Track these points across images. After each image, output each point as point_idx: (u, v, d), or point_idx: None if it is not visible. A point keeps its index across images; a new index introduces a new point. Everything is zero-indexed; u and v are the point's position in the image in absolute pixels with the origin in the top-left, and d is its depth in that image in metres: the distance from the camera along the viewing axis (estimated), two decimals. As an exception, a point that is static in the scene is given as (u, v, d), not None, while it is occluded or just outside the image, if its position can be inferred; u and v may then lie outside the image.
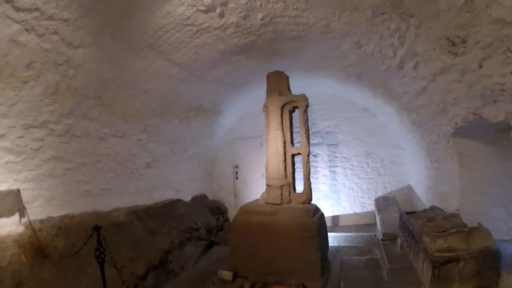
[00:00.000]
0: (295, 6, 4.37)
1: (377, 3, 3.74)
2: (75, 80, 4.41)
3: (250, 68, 6.64)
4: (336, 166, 8.97)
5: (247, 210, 5.84)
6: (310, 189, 5.94)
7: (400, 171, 8.43)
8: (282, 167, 5.92)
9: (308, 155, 5.95)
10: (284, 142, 5.96)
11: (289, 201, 5.90)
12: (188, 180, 8.37)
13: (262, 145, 9.37)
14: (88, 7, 3.79)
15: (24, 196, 4.21)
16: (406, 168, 8.32)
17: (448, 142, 4.88)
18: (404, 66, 4.71)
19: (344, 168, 8.92)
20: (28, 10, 3.33)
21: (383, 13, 3.89)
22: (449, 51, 3.57)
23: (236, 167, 10.00)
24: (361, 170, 8.78)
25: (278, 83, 6.18)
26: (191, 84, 6.57)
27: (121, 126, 5.64)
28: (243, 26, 4.89)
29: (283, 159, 5.92)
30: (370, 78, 6.10)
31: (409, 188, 8.24)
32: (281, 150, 5.93)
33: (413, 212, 5.30)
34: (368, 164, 8.70)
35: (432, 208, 5.07)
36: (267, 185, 6.08)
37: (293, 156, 6.07)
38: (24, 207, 4.21)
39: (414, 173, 7.71)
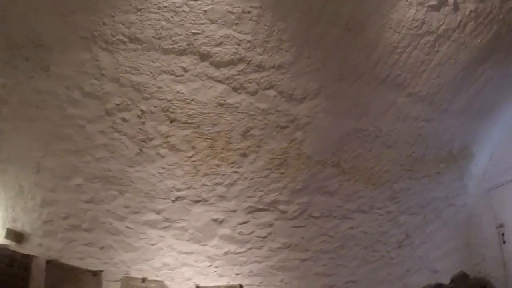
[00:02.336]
0: None
1: None
2: (306, 144, 3.91)
3: (496, 79, 5.33)
4: None
5: None
6: None
7: None
8: None
9: None
10: None
11: None
12: (444, 255, 6.75)
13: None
14: (301, 45, 3.07)
15: (248, 293, 3.88)
16: None
17: None
18: None
19: None
20: (230, 64, 3.03)
21: None
22: None
23: (501, 226, 7.43)
24: None
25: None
26: (438, 124, 5.37)
27: (366, 197, 4.91)
28: (483, 13, 4.12)
29: None
30: None
31: None
32: None
33: None
34: None
35: None
36: None
37: None
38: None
39: None
